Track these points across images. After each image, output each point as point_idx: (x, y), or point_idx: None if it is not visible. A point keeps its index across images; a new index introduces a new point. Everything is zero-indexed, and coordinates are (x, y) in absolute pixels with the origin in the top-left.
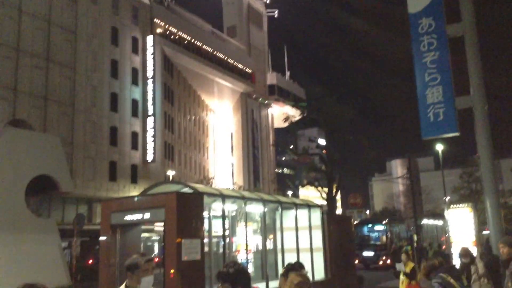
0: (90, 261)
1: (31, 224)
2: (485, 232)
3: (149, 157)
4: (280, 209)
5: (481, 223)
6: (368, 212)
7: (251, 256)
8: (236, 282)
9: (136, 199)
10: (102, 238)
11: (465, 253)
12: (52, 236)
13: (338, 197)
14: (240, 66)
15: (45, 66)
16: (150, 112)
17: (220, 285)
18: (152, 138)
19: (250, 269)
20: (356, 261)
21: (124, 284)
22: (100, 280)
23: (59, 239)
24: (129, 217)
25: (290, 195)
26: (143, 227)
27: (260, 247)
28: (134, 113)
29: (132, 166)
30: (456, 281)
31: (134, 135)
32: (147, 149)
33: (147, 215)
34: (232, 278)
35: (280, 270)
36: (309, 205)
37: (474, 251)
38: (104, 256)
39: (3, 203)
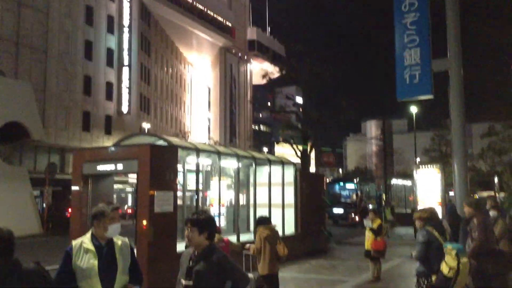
0: (68, 211)
1: (1, 171)
2: (451, 193)
3: (124, 109)
4: (254, 165)
5: (448, 185)
6: (341, 171)
7: (224, 210)
8: (204, 228)
9: (109, 149)
10: (74, 187)
11: (430, 212)
12: (23, 184)
13: (313, 155)
14: (220, 18)
15: (17, 10)
16: (126, 62)
17: (189, 229)
18: (128, 89)
19: (223, 222)
20: (326, 218)
21: (90, 232)
22: (71, 229)
23: (30, 188)
24: (101, 168)
25: (265, 152)
26: (117, 178)
27: (233, 202)
28: (109, 63)
29: (106, 117)
30: (439, 234)
31: (109, 85)
32: (122, 100)
33: (119, 166)
34: (201, 224)
35: (252, 224)
36: (283, 162)
37: (439, 210)
38: (76, 206)
39: None
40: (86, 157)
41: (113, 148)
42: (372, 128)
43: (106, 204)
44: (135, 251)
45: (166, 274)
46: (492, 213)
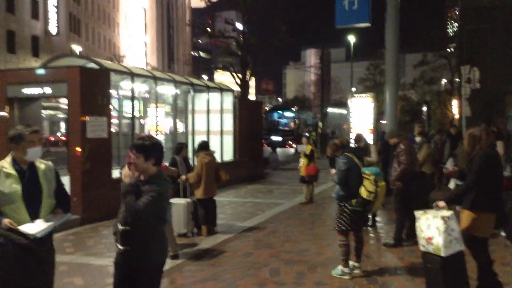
0: None
1: None
2: (383, 121)
3: (52, 29)
4: (192, 92)
5: (380, 113)
6: (280, 99)
7: (162, 137)
8: (150, 154)
9: (35, 71)
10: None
11: (358, 138)
12: None
13: (252, 83)
14: None
15: None
16: None
17: (134, 156)
18: (55, 8)
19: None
20: (264, 145)
21: (10, 156)
22: None
23: None
24: (27, 91)
25: (205, 80)
26: (48, 104)
27: (171, 129)
28: None
29: (33, 37)
30: (358, 160)
31: (35, 3)
32: (49, 20)
33: (47, 90)
34: (147, 149)
35: (190, 151)
36: (221, 89)
37: (370, 137)
38: (2, 132)
39: None
40: (10, 78)
41: (40, 70)
42: (311, 56)
43: (24, 126)
44: (68, 178)
45: (100, 201)
46: (418, 138)
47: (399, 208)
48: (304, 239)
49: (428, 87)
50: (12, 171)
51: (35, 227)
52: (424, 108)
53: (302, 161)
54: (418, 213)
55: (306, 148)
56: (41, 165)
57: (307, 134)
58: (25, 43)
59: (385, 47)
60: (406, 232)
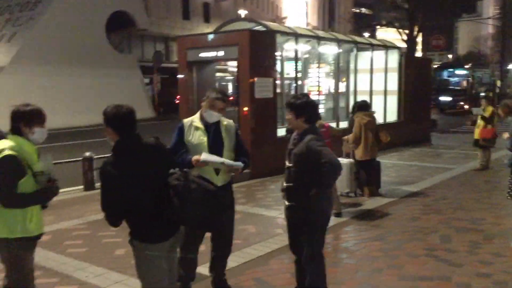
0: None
1: (114, 59)
2: None
3: None
4: (355, 50)
5: None
6: (450, 56)
7: (322, 98)
8: (301, 112)
9: (210, 36)
10: (180, 75)
11: None
12: (134, 71)
13: (419, 39)
14: None
15: None
16: None
17: (288, 114)
18: None
19: (321, 111)
20: (432, 106)
21: (198, 113)
22: (180, 114)
23: (141, 75)
24: (203, 54)
25: (367, 37)
26: (218, 66)
27: (332, 90)
28: None
29: (205, 4)
30: None
31: None
32: None
33: (220, 53)
34: (298, 108)
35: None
36: (386, 46)
37: None
38: (183, 92)
39: (86, 39)
40: (189, 44)
41: (212, 35)
42: (489, 7)
43: (213, 91)
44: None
45: (266, 158)
46: None
47: None
48: (479, 208)
49: None
50: (200, 125)
51: (213, 157)
52: None
53: (478, 123)
54: None
55: (484, 110)
56: (224, 122)
57: (483, 94)
58: (197, 10)
59: None
60: None
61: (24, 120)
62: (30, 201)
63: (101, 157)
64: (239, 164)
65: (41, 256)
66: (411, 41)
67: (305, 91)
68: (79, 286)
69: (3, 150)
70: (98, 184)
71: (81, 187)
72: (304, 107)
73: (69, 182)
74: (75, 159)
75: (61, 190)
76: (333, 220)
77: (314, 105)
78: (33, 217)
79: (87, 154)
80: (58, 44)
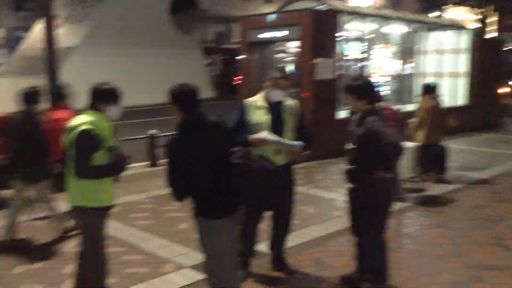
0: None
1: (176, 40)
2: None
3: None
4: (422, 30)
5: None
6: None
7: (387, 80)
8: (362, 94)
9: (271, 16)
10: (241, 55)
11: None
12: (196, 52)
13: (493, 19)
14: None
15: None
16: None
17: (348, 97)
18: None
19: (386, 93)
20: (508, 89)
21: (262, 92)
22: (240, 95)
23: (202, 55)
24: (265, 35)
25: (435, 17)
26: (278, 48)
27: (397, 72)
28: None
29: None
30: None
31: None
32: None
33: (282, 33)
34: (359, 90)
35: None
36: (456, 26)
37: None
38: (244, 73)
39: (151, 20)
40: (250, 24)
41: (274, 15)
42: None
43: (276, 70)
44: None
45: (326, 140)
46: None
47: None
48: None
49: None
50: (263, 104)
51: (273, 136)
52: None
53: None
54: None
55: None
56: (287, 102)
57: None
58: None
59: None
60: None
61: (102, 97)
62: (102, 173)
63: (165, 135)
64: (298, 143)
65: (110, 226)
66: (483, 21)
67: (368, 72)
68: (145, 256)
69: (81, 124)
70: (161, 161)
71: (146, 163)
72: (364, 88)
73: (135, 158)
74: (140, 137)
75: (128, 166)
76: (395, 205)
77: (374, 86)
78: (105, 189)
79: (152, 131)
80: (125, 25)
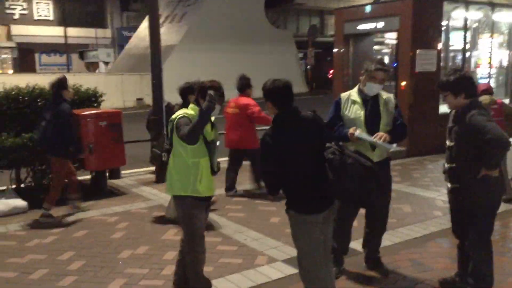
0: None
1: (270, 35)
2: None
3: None
4: None
5: None
6: None
7: (493, 71)
8: (459, 88)
9: (368, 7)
10: (336, 49)
11: None
12: (289, 46)
13: None
14: None
15: None
16: None
17: (443, 94)
18: None
19: (492, 85)
20: None
21: (357, 87)
22: (334, 89)
23: (295, 50)
24: (362, 27)
25: None
26: (375, 39)
27: (504, 63)
28: None
29: None
30: None
31: None
32: None
33: (380, 24)
34: (453, 86)
35: None
36: None
37: None
38: (338, 66)
39: (246, 16)
40: (347, 16)
41: (370, 6)
42: None
43: (372, 63)
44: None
45: (425, 136)
46: None
47: None
48: None
49: None
50: (358, 98)
51: (366, 136)
52: None
53: None
54: None
55: None
56: (383, 96)
57: None
58: None
59: None
60: None
61: (202, 92)
62: (198, 126)
63: (260, 129)
64: (391, 146)
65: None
66: None
67: (473, 64)
68: (239, 247)
69: (180, 114)
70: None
71: None
72: (460, 82)
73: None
74: None
75: (221, 159)
76: (503, 206)
77: (470, 78)
78: (203, 179)
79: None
80: (221, 22)
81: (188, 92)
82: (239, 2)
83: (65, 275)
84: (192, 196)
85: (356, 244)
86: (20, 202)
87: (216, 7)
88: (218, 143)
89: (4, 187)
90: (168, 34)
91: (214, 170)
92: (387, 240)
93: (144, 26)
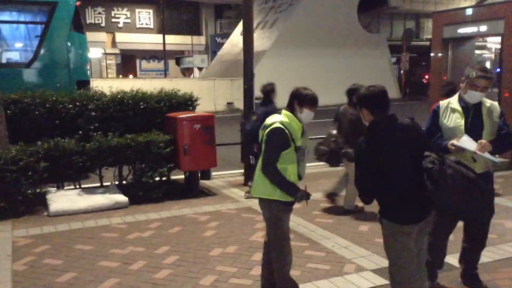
0: (425, 77)
1: (363, 39)
2: None
3: None
4: None
5: None
6: None
7: None
8: None
9: (469, 10)
10: (433, 53)
11: None
12: (382, 51)
13: None
14: None
15: None
16: None
17: None
18: None
19: None
20: None
21: (457, 94)
22: (431, 95)
23: (389, 54)
24: (462, 30)
25: None
26: (476, 43)
27: None
28: None
29: None
30: None
31: None
32: None
33: (482, 28)
34: None
35: None
36: None
37: None
38: (435, 72)
39: (338, 21)
40: (446, 19)
41: (469, 10)
42: None
43: (473, 69)
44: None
45: None
46: None
47: None
48: None
49: None
50: (457, 107)
51: (469, 144)
52: None
53: None
54: None
55: None
56: (487, 104)
57: None
58: None
59: None
60: None
61: (298, 99)
62: (279, 182)
63: None
64: (493, 159)
65: (293, 221)
66: None
67: None
68: (326, 253)
69: (274, 123)
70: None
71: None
72: None
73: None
74: (322, 136)
75: (309, 164)
76: None
77: None
78: None
79: (333, 132)
80: (312, 27)
81: (351, 93)
82: (332, 7)
83: (161, 268)
84: (279, 200)
85: (451, 259)
86: (122, 198)
87: (307, 13)
88: (307, 151)
89: (108, 183)
90: (259, 40)
91: (300, 176)
92: (486, 256)
93: (236, 33)
